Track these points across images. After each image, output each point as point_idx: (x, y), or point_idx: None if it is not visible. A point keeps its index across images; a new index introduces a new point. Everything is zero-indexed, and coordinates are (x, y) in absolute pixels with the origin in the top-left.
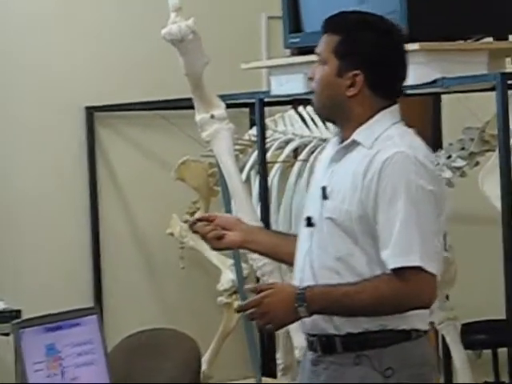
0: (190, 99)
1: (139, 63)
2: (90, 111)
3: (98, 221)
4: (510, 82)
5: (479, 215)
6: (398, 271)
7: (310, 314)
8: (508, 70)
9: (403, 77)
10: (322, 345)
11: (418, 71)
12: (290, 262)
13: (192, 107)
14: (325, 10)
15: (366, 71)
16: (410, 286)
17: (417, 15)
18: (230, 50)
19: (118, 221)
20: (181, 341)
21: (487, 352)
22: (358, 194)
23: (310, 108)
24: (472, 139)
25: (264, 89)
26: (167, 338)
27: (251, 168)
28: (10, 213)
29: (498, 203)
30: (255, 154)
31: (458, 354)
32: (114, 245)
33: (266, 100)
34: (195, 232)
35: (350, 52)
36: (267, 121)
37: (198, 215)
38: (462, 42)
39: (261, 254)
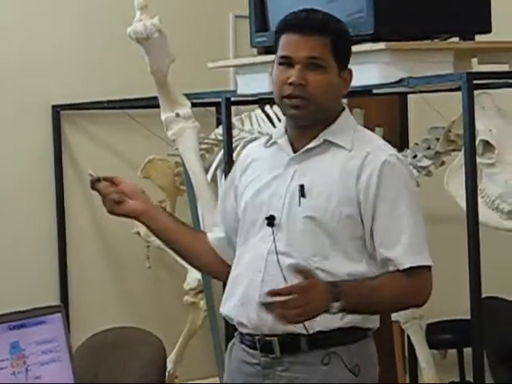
0: (156, 98)
1: (105, 61)
2: (57, 110)
3: (64, 220)
4: (475, 81)
5: (444, 215)
6: (410, 270)
7: (341, 311)
8: (474, 70)
9: None
10: (283, 345)
11: (384, 71)
12: (175, 248)
13: (159, 106)
14: (292, 10)
15: (350, 69)
16: (423, 284)
17: (383, 15)
18: (197, 48)
19: (84, 220)
20: (146, 340)
21: (452, 352)
22: (352, 194)
23: (276, 107)
24: (438, 139)
25: (231, 88)
26: (133, 336)
27: (217, 167)
28: None
29: (463, 203)
30: (221, 153)
31: (423, 354)
32: (80, 244)
33: (233, 99)
34: (95, 190)
35: (342, 52)
36: (234, 120)
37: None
38: (428, 41)
39: (153, 232)
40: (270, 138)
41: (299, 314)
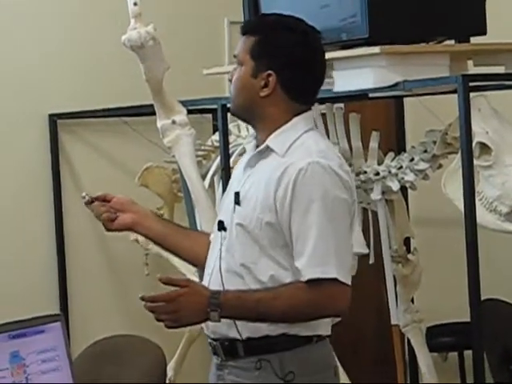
0: (151, 105)
1: (100, 70)
2: (54, 119)
3: (63, 228)
4: (471, 84)
5: (442, 218)
6: (314, 281)
7: (220, 319)
8: (470, 73)
9: (320, 80)
10: (225, 349)
11: (379, 75)
12: (176, 252)
13: (154, 113)
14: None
15: (279, 72)
16: (325, 296)
17: (377, 18)
18: (192, 55)
19: (82, 228)
20: (146, 348)
21: (453, 355)
22: (271, 202)
23: None
24: (434, 142)
25: (226, 94)
26: (132, 345)
27: (214, 173)
28: None
29: (460, 205)
30: (218, 159)
31: (424, 357)
32: (78, 252)
33: (229, 105)
34: (91, 210)
35: (264, 53)
36: (230, 126)
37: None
38: (423, 44)
39: (149, 239)
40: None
41: (170, 320)
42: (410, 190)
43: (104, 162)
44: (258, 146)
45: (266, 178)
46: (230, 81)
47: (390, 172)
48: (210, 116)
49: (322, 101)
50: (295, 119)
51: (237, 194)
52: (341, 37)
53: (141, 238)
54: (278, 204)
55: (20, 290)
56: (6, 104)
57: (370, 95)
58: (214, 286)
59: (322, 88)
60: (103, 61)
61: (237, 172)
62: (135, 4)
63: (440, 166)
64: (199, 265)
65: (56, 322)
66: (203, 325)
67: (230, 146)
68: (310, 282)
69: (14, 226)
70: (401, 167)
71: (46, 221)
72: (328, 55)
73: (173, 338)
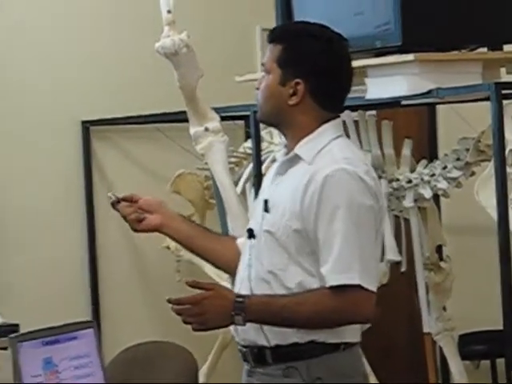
0: (185, 112)
1: (134, 77)
2: (86, 125)
3: (95, 235)
4: (504, 91)
5: (475, 225)
6: (338, 288)
7: (245, 323)
8: (502, 80)
9: (346, 88)
10: (254, 356)
11: (413, 82)
12: (204, 255)
13: (187, 120)
14: (319, 22)
15: (307, 80)
16: (349, 303)
17: (411, 26)
18: (225, 62)
19: (114, 235)
20: (178, 353)
21: (485, 363)
22: (298, 209)
23: None
24: (467, 149)
25: None
26: (164, 350)
27: (246, 180)
28: (6, 227)
29: (493, 213)
30: (250, 166)
31: (456, 365)
32: (110, 259)
33: None
34: (116, 210)
35: (291, 61)
36: (262, 133)
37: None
38: (456, 52)
39: (176, 241)
40: None
41: (196, 323)
42: (442, 198)
43: (136, 169)
44: (287, 154)
45: (293, 185)
46: (257, 89)
47: (422, 179)
48: (242, 123)
49: (355, 108)
50: (323, 126)
51: (266, 202)
52: (375, 44)
53: (172, 245)
54: (304, 211)
55: (52, 296)
56: (40, 110)
57: (403, 103)
58: (244, 293)
59: (355, 95)
60: (136, 68)
61: (267, 179)
62: (169, 12)
63: (473, 174)
64: (227, 268)
65: (88, 329)
66: (233, 332)
67: (263, 152)
68: (335, 288)
69: (46, 232)
70: (433, 175)
71: (78, 227)
72: (361, 62)
73: (205, 344)
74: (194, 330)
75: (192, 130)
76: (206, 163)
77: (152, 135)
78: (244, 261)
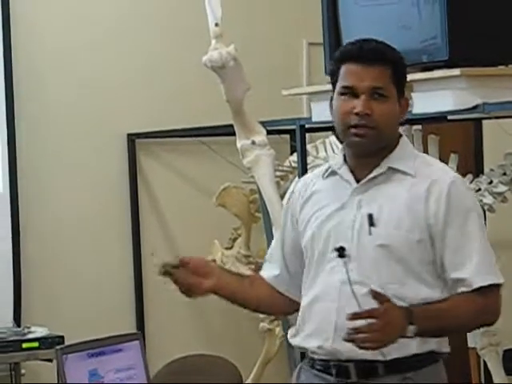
0: (231, 126)
1: (180, 90)
2: (132, 138)
3: (140, 247)
4: None
5: None
6: (481, 289)
7: (416, 335)
8: None
9: None
10: (360, 370)
11: (459, 97)
12: (244, 306)
13: (233, 133)
14: (366, 36)
15: (404, 95)
16: (494, 302)
17: (457, 41)
18: (271, 76)
19: (159, 247)
20: (223, 367)
21: None
22: (421, 220)
23: None
24: None
25: (305, 115)
26: (209, 363)
27: None
28: (52, 239)
29: None
30: (296, 180)
31: (500, 380)
32: (155, 271)
33: (307, 126)
34: (167, 274)
35: (401, 79)
36: (308, 147)
37: (238, 242)
38: (502, 67)
39: (223, 299)
40: (328, 168)
41: (378, 338)
42: (488, 213)
43: (181, 182)
44: (352, 172)
45: (402, 197)
46: (368, 115)
47: None
48: (288, 137)
49: (402, 123)
50: (403, 138)
51: (370, 216)
52: (421, 58)
53: (218, 259)
54: (430, 220)
55: (98, 309)
56: (86, 123)
57: (449, 117)
58: (348, 312)
59: None
60: (183, 81)
61: (321, 198)
62: (216, 25)
63: None
64: (262, 310)
65: (134, 341)
66: (320, 349)
67: (308, 166)
68: (481, 289)
69: (92, 244)
70: (479, 189)
71: (124, 240)
72: (408, 77)
73: (249, 357)
74: (373, 348)
75: (239, 144)
76: (252, 176)
77: (197, 148)
78: (333, 280)
